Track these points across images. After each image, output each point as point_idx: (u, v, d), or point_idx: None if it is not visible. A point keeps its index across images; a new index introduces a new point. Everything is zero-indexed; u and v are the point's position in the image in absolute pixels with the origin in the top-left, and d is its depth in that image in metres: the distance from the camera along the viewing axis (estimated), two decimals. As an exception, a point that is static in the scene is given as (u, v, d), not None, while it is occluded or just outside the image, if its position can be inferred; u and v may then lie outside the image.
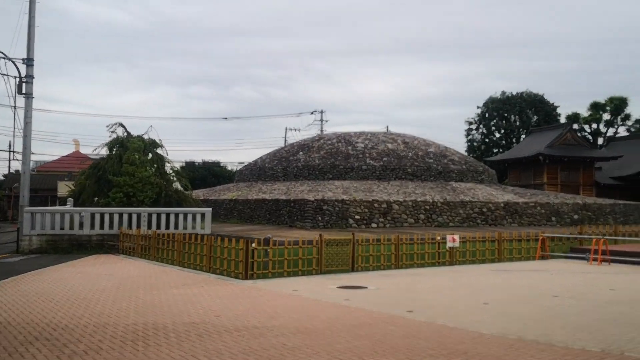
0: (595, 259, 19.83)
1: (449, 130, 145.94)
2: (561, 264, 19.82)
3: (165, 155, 29.55)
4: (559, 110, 74.64)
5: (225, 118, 68.25)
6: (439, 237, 19.84)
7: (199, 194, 40.24)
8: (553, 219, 36.49)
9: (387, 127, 59.10)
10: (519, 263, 20.35)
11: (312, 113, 68.50)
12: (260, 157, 44.17)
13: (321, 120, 67.93)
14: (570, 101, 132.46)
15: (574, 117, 69.95)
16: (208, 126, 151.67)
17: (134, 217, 24.35)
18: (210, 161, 70.78)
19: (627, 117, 70.84)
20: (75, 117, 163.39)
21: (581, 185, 55.76)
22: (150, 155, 28.77)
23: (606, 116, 71.05)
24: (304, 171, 38.09)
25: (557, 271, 17.55)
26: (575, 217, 37.38)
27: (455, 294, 12.92)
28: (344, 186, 33.98)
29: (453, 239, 19.71)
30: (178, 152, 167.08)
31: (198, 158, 69.64)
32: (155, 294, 12.85)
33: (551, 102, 74.44)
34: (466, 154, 64.02)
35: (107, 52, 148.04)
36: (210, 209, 26.65)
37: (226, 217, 34.87)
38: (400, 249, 18.76)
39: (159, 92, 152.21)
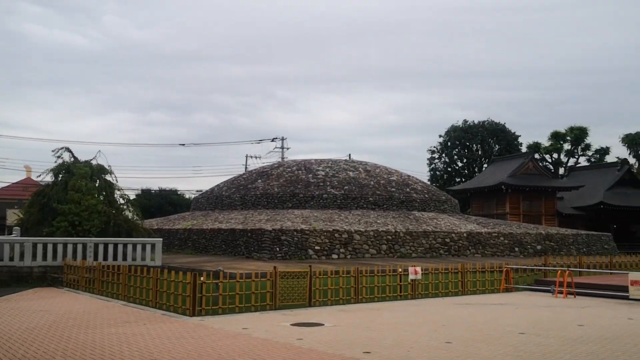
0: (560, 292, 19.28)
1: (412, 159, 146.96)
2: (526, 297, 19.18)
3: (114, 182, 28.28)
4: (520, 140, 75.42)
5: (183, 144, 66.76)
6: (400, 269, 19.03)
7: (153, 223, 38.85)
8: (516, 249, 36.12)
9: (349, 155, 58.58)
10: (483, 296, 19.67)
11: (272, 140, 67.44)
12: (218, 185, 42.91)
13: (282, 147, 67.00)
14: (530, 131, 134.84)
15: (535, 147, 70.64)
16: (167, 153, 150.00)
17: (79, 247, 23.02)
18: (167, 189, 69.06)
19: (588, 147, 71.85)
20: (28, 142, 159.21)
21: (543, 215, 55.91)
22: (98, 182, 27.46)
23: (567, 146, 71.99)
24: (263, 200, 37.01)
25: (523, 305, 16.87)
26: (539, 247, 37.09)
27: (417, 331, 12.08)
28: (304, 215, 33.03)
29: (415, 271, 18.93)
30: (135, 179, 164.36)
31: (155, 186, 67.97)
32: (90, 334, 11.72)
33: (512, 131, 75.14)
34: (429, 182, 63.82)
35: (64, 76, 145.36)
36: (161, 239, 25.44)
37: (180, 247, 33.50)
38: (360, 282, 17.88)
39: (117, 118, 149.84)
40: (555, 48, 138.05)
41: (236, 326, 12.86)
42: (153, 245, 24.46)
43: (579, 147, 72.19)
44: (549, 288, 20.12)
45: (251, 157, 68.16)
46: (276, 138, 67.14)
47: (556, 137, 72.12)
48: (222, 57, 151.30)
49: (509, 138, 73.97)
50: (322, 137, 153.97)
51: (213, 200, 40.37)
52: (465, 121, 75.10)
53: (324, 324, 13.10)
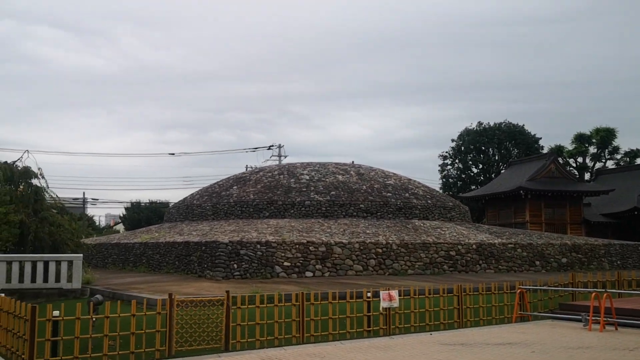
0: (595, 321, 13.78)
1: (427, 172, 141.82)
2: (548, 330, 13.65)
3: (45, 186, 23.36)
4: (541, 143, 68.99)
5: (173, 154, 62.43)
6: (368, 294, 13.60)
7: (116, 237, 33.89)
8: (537, 263, 30.38)
9: (353, 161, 53.07)
10: (488, 329, 14.20)
11: (269, 148, 61.88)
12: (191, 194, 37.66)
13: (279, 155, 61.32)
14: (549, 139, 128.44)
15: (557, 151, 64.30)
16: (181, 169, 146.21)
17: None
18: (157, 201, 64.11)
19: (616, 149, 65.30)
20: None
21: (568, 223, 49.74)
22: (21, 186, 22.64)
23: (592, 149, 65.68)
24: (236, 208, 31.62)
25: (543, 345, 11.38)
26: (564, 260, 31.31)
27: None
28: (279, 225, 27.61)
29: (390, 297, 13.55)
30: (143, 192, 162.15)
31: (145, 198, 63.59)
32: None
33: (532, 133, 68.82)
34: (440, 191, 57.88)
35: (82, 98, 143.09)
36: (82, 255, 20.34)
37: (135, 264, 28.29)
38: (306, 313, 12.53)
39: (136, 137, 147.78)
40: (563, 59, 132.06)
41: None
42: (70, 263, 19.45)
43: (606, 150, 65.72)
44: (580, 316, 14.62)
45: (250, 167, 62.72)
46: (272, 145, 61.66)
47: (580, 139, 65.74)
48: (236, 76, 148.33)
49: (528, 141, 67.73)
50: (338, 152, 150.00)
51: (184, 210, 35.09)
52: (479, 123, 68.92)
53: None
